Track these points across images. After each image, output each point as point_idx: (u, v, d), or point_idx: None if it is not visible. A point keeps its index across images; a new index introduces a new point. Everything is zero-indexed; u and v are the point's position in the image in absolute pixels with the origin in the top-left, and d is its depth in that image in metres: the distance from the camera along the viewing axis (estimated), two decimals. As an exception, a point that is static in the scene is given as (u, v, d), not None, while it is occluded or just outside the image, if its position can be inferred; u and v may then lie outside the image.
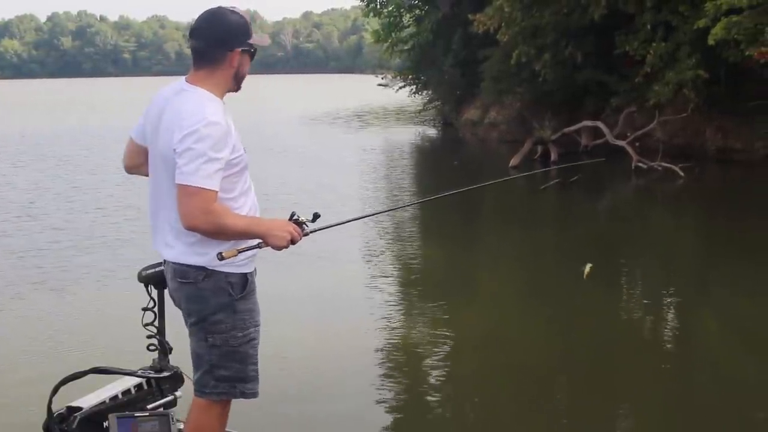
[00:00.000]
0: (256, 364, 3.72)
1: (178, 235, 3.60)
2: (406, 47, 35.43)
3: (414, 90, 36.66)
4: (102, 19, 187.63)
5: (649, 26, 20.27)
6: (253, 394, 3.75)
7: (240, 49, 3.61)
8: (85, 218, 14.20)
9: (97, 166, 21.64)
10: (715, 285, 9.88)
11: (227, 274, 3.58)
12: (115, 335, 7.64)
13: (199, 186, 3.39)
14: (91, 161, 22.98)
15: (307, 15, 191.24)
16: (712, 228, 13.30)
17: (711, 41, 17.21)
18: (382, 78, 38.77)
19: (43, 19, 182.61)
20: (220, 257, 3.48)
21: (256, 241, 3.59)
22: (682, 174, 17.32)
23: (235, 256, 3.53)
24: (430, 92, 35.81)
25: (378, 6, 35.87)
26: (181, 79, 3.70)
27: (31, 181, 18.87)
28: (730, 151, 20.25)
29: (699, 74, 18.81)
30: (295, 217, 3.71)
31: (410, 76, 36.11)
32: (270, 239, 3.57)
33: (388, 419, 5.84)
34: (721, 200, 16.19)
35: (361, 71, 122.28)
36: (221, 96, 3.64)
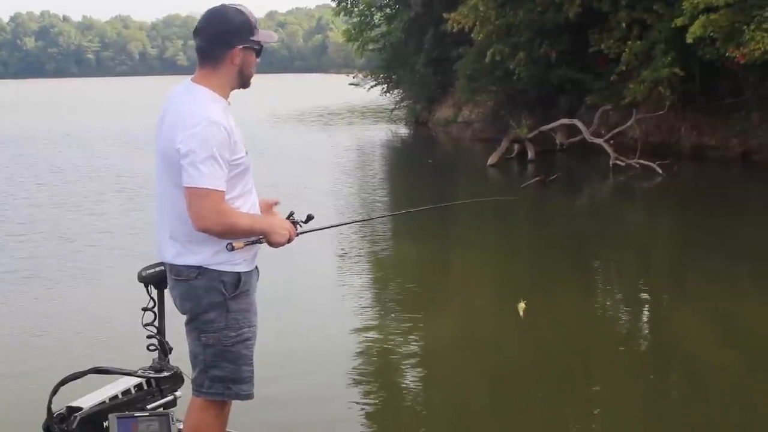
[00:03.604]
0: (250, 365, 3.71)
1: (174, 234, 3.61)
2: (377, 46, 35.34)
3: (385, 89, 36.66)
4: (65, 19, 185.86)
5: (624, 24, 20.30)
6: (248, 396, 3.73)
7: (241, 47, 3.57)
8: (54, 214, 14.26)
9: (72, 166, 21.53)
10: (693, 282, 9.88)
11: (220, 273, 3.57)
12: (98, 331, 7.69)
13: (208, 187, 3.40)
14: (67, 161, 22.82)
15: (271, 14, 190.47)
16: (691, 225, 13.33)
17: (689, 39, 17.28)
18: (353, 77, 38.67)
19: (5, 19, 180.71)
20: (231, 248, 3.51)
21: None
22: (660, 171, 17.37)
23: (242, 248, 3.55)
24: (401, 91, 35.78)
25: (348, 5, 35.74)
26: (186, 79, 3.69)
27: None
28: (705, 148, 20.37)
29: (675, 72, 18.87)
30: (292, 218, 3.81)
31: (381, 75, 36.05)
32: (272, 236, 3.63)
33: (363, 422, 5.79)
34: (699, 197, 16.25)
35: (326, 71, 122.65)
36: (225, 94, 3.63)
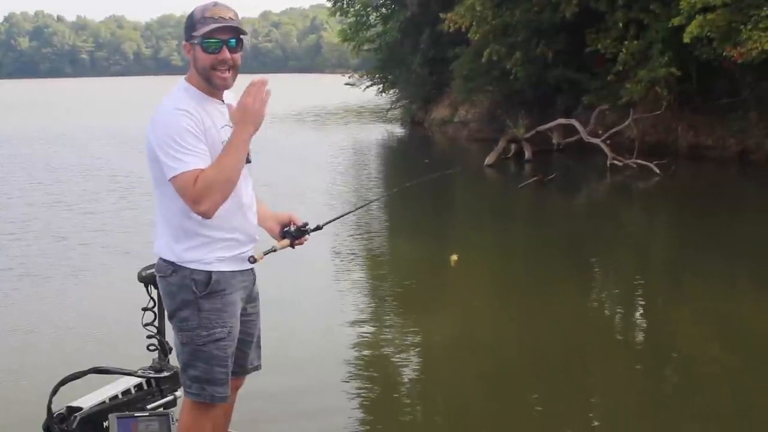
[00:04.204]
0: (225, 367, 3.65)
1: (160, 231, 3.66)
2: (373, 46, 35.32)
3: (381, 89, 36.62)
4: (59, 19, 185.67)
5: (620, 24, 20.29)
6: (222, 399, 3.67)
7: (188, 43, 3.58)
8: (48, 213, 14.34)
9: (66, 166, 21.55)
10: (690, 281, 9.85)
11: (192, 271, 3.56)
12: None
13: (181, 172, 3.37)
14: (61, 161, 22.82)
15: (265, 14, 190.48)
16: (688, 225, 13.30)
17: (687, 39, 17.28)
18: (349, 77, 38.65)
19: (0, 19, 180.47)
20: (253, 260, 3.61)
21: (278, 244, 3.76)
22: (657, 171, 17.34)
23: (262, 258, 3.62)
24: (397, 91, 35.76)
25: (344, 5, 35.72)
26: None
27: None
28: (702, 148, 20.37)
29: (671, 72, 18.84)
30: (307, 227, 3.84)
31: (377, 75, 36.03)
32: (251, 128, 3.47)
33: (360, 421, 5.76)
34: (697, 197, 16.26)
35: (320, 71, 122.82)
36: (208, 90, 3.58)
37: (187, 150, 3.37)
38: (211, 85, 3.55)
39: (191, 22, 3.53)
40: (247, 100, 3.45)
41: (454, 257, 6.88)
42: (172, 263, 3.57)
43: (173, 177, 3.37)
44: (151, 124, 3.48)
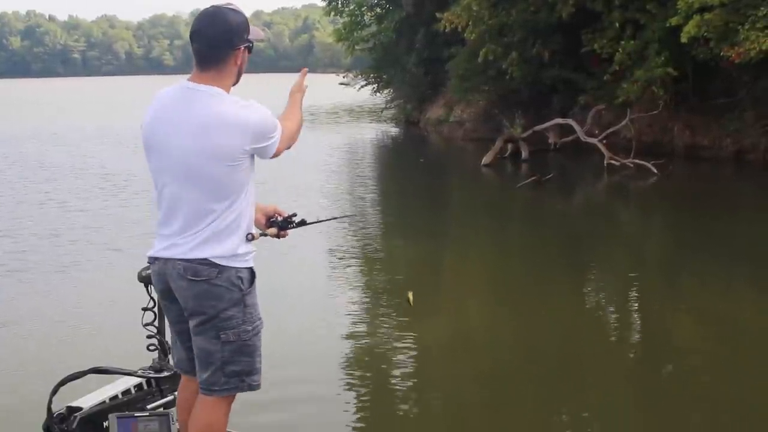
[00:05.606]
0: (261, 355, 3.76)
1: (191, 232, 3.58)
2: (367, 46, 35.30)
3: (376, 89, 36.64)
4: (51, 18, 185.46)
5: (617, 24, 20.28)
6: (258, 386, 3.76)
7: (243, 46, 3.60)
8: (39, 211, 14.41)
9: (58, 164, 21.50)
10: (686, 281, 9.84)
11: (238, 269, 3.60)
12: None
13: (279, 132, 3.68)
14: (53, 160, 22.77)
15: (257, 14, 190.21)
16: (685, 225, 13.29)
17: (684, 39, 17.29)
18: (344, 77, 38.63)
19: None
20: (251, 237, 3.61)
21: (268, 231, 3.82)
22: (655, 171, 17.32)
23: (258, 238, 3.68)
24: (392, 91, 35.75)
25: (339, 5, 35.69)
26: (182, 81, 3.61)
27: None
28: (698, 148, 20.37)
29: (668, 72, 18.84)
30: (293, 218, 3.92)
31: (372, 75, 36.02)
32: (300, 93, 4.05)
33: (356, 422, 5.75)
34: (694, 197, 16.25)
35: (313, 70, 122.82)
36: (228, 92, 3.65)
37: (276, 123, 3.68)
38: (237, 83, 3.68)
39: (247, 25, 3.59)
40: (304, 82, 4.05)
41: (410, 296, 6.94)
42: (217, 265, 3.55)
43: (279, 141, 3.66)
44: (240, 124, 3.52)
